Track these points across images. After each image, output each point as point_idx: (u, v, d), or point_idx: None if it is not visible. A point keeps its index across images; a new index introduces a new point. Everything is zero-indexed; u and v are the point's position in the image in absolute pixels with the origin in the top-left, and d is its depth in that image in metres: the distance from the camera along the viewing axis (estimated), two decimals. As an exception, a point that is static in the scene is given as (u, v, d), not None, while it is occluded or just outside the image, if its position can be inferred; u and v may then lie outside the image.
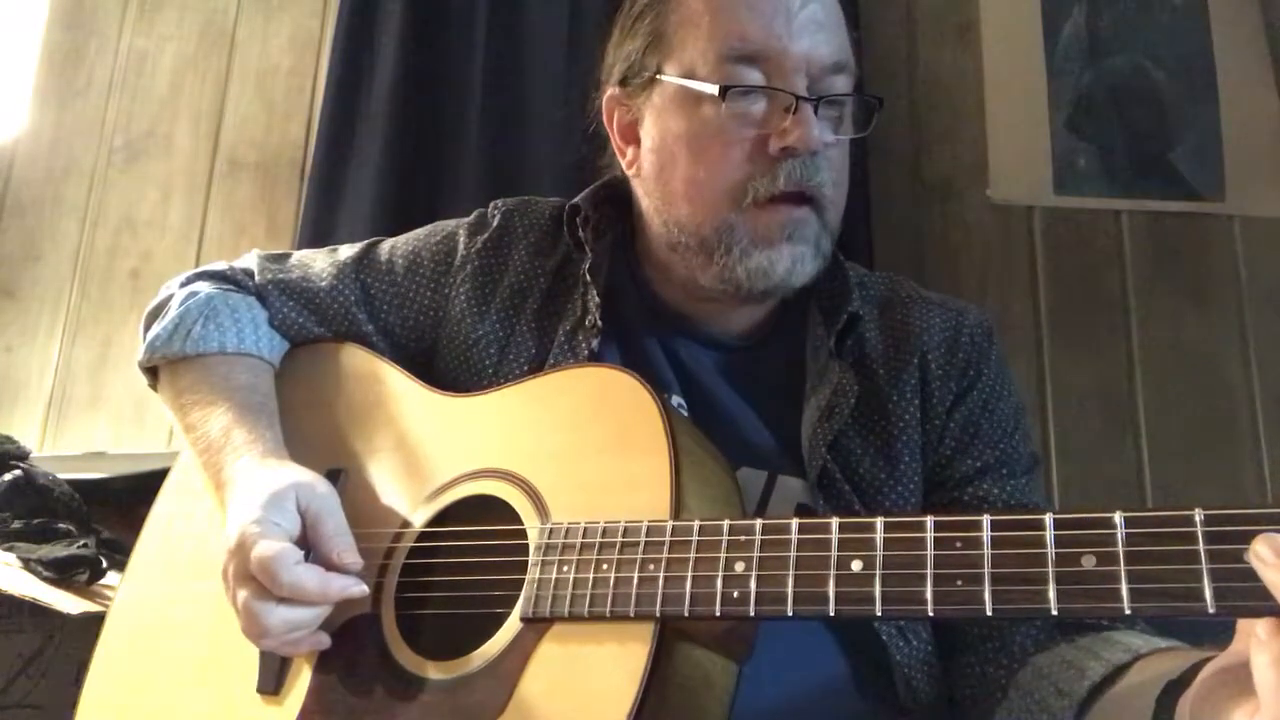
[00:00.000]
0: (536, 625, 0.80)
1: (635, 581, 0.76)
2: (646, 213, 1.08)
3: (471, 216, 1.19)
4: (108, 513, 1.56)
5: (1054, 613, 0.61)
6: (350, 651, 0.89)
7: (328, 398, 1.08)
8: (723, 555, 0.73)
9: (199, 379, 1.07)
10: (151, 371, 1.14)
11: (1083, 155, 2.10)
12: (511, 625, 0.81)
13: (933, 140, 2.13)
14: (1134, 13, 2.16)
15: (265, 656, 0.92)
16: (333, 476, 0.97)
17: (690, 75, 1.00)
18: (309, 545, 0.89)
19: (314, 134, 2.14)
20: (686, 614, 0.73)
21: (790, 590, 0.70)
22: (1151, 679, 0.73)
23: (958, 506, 1.00)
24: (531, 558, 0.82)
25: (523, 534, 0.85)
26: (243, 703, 0.92)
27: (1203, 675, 0.64)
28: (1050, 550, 0.63)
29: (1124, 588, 0.59)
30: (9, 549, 1.37)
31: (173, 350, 1.09)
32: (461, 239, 1.15)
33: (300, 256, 1.20)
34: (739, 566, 0.73)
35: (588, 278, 1.06)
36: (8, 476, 1.50)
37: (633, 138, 1.08)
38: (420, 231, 1.20)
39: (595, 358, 1.03)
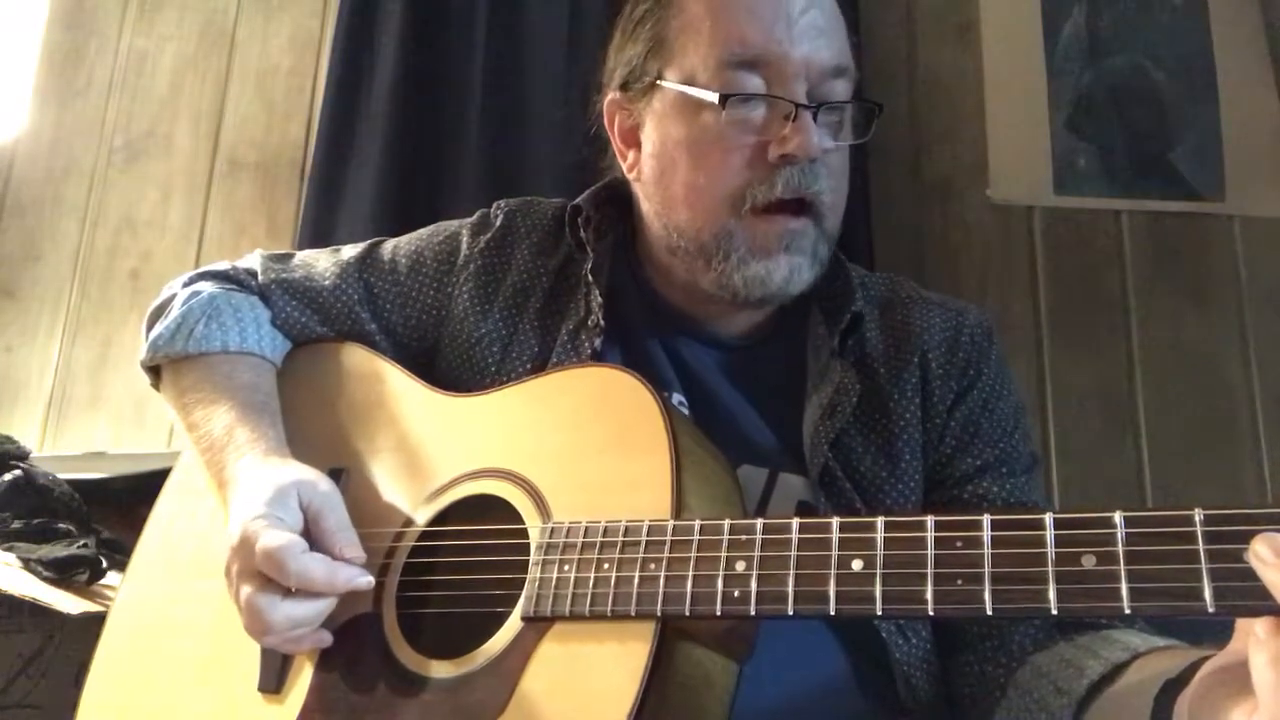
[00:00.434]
0: (538, 624, 0.80)
1: (636, 581, 0.76)
2: (647, 216, 1.08)
3: (474, 216, 1.19)
4: (108, 513, 1.56)
5: (1054, 612, 0.62)
6: (351, 650, 0.89)
7: (330, 397, 1.09)
8: (724, 555, 0.74)
9: (201, 378, 1.07)
10: (154, 371, 1.15)
11: (1083, 155, 2.10)
12: (512, 624, 0.81)
13: (933, 140, 2.13)
14: (1134, 13, 2.16)
15: (266, 655, 0.92)
16: (335, 475, 0.98)
17: (691, 81, 1.00)
18: (311, 541, 0.88)
19: (314, 134, 2.14)
20: (687, 613, 0.73)
21: (791, 589, 0.70)
22: (1150, 678, 0.73)
23: (958, 505, 1.00)
24: (533, 557, 0.82)
25: (524, 533, 0.85)
26: (244, 701, 0.92)
27: (1201, 674, 0.64)
28: (1050, 550, 0.63)
29: (1124, 587, 0.60)
30: (9, 549, 1.37)
31: (175, 349, 1.09)
32: (464, 239, 1.16)
33: (303, 256, 1.20)
34: (740, 566, 0.73)
35: (590, 278, 1.07)
36: (8, 476, 1.51)
37: (633, 142, 1.08)
38: (423, 231, 1.20)
39: (598, 357, 1.03)
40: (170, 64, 2.28)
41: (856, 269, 1.14)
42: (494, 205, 1.20)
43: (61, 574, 1.33)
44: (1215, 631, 0.63)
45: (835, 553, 0.70)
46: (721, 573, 0.73)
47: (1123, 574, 0.60)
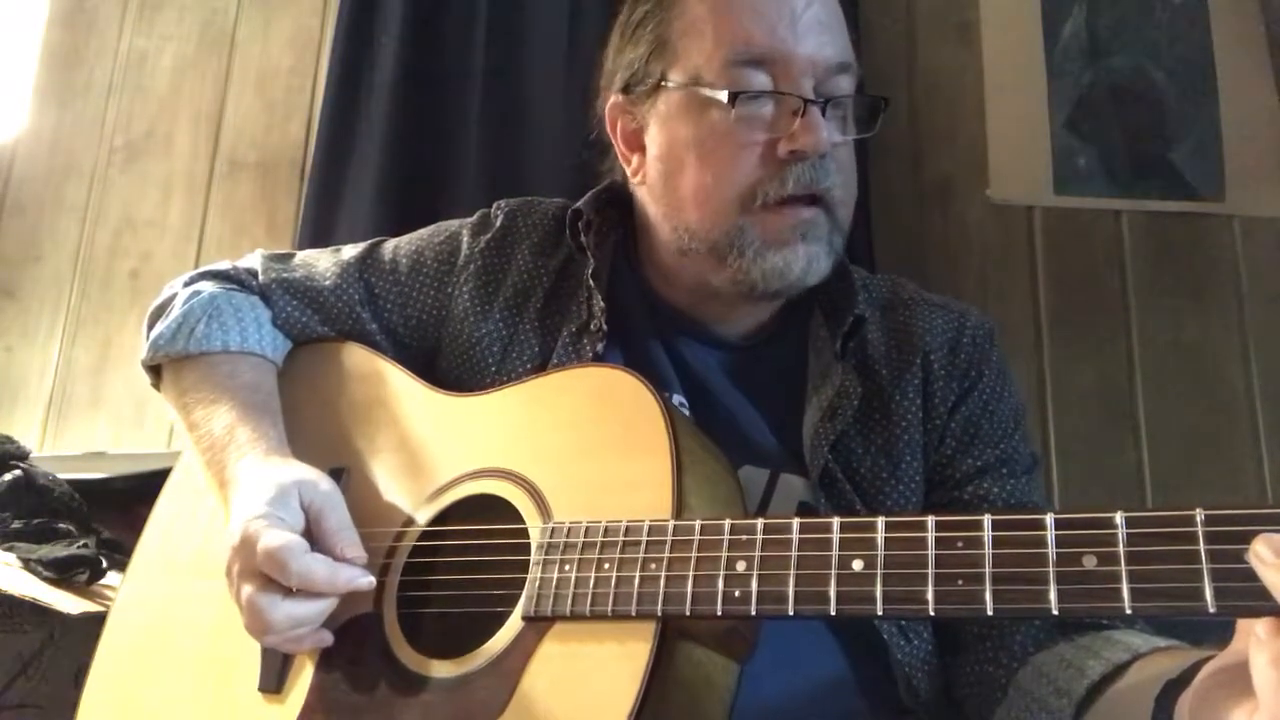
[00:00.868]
0: (538, 624, 0.80)
1: (637, 581, 0.76)
2: (654, 219, 1.07)
3: (475, 216, 1.19)
4: (108, 513, 1.56)
5: (1055, 612, 0.62)
6: (352, 650, 0.89)
7: (330, 397, 1.09)
8: (724, 555, 0.74)
9: (202, 378, 1.07)
10: (155, 370, 1.15)
11: (1083, 155, 2.10)
12: (513, 624, 0.81)
13: (933, 140, 2.13)
14: (1134, 13, 2.15)
15: (267, 655, 0.92)
16: (335, 475, 0.98)
17: (696, 81, 1.00)
18: (312, 541, 0.89)
19: (314, 134, 2.14)
20: (688, 613, 0.73)
21: (791, 590, 0.70)
22: (1151, 678, 0.73)
23: (958, 505, 1.01)
24: (533, 557, 0.82)
25: (525, 533, 0.85)
26: (244, 701, 0.92)
27: (1202, 674, 0.64)
28: (1051, 550, 0.63)
29: (1125, 587, 0.60)
30: (9, 549, 1.37)
31: (176, 349, 1.09)
32: (465, 239, 1.16)
33: (304, 256, 1.21)
34: (740, 566, 0.73)
35: (591, 283, 1.06)
36: (8, 476, 1.50)
37: (637, 145, 1.08)
38: (424, 231, 1.20)
39: (599, 360, 1.03)
40: (170, 64, 2.28)
41: (859, 271, 1.14)
42: (494, 205, 1.20)
43: (61, 574, 1.32)
44: (1216, 632, 0.63)
45: (836, 553, 0.70)
46: (722, 573, 0.73)
47: (1124, 574, 0.60)
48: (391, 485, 0.98)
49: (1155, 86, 2.12)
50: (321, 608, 0.87)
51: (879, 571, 0.68)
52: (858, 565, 0.69)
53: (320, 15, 2.28)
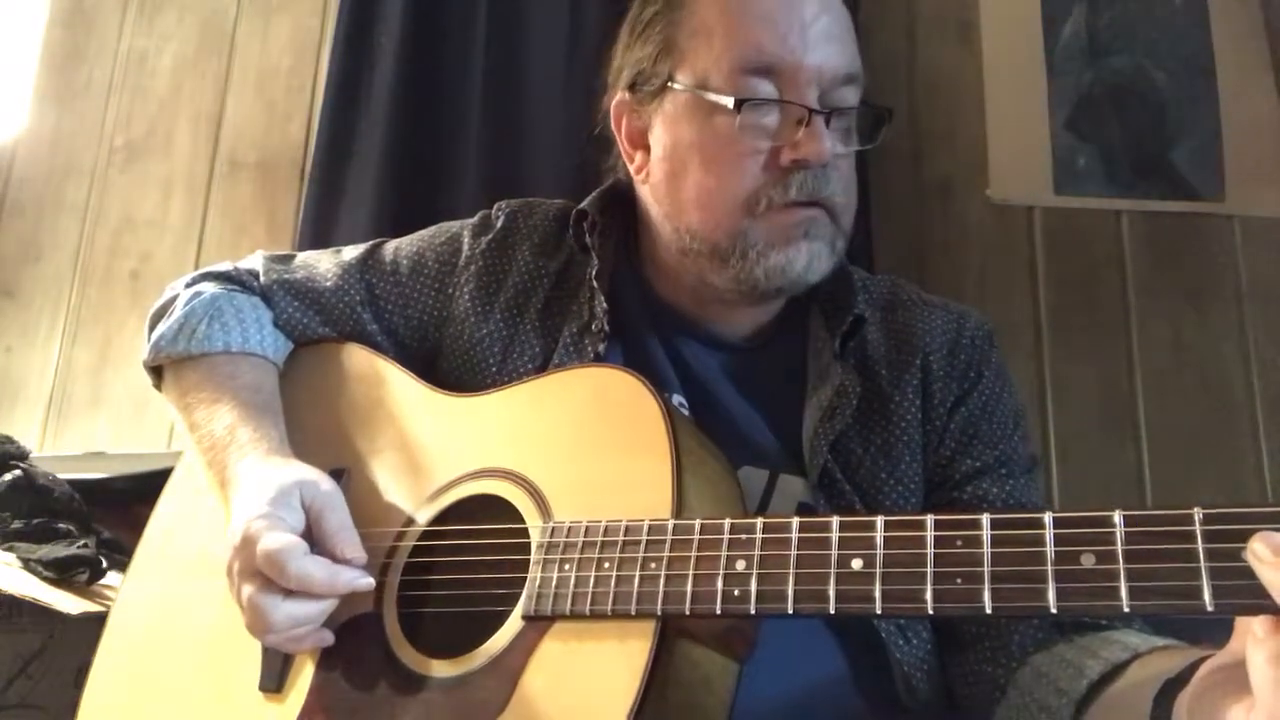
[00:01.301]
0: (538, 624, 0.80)
1: (637, 580, 0.76)
2: (655, 218, 1.08)
3: (475, 217, 1.19)
4: (108, 513, 1.56)
5: (1053, 611, 0.62)
6: (353, 649, 0.89)
7: (331, 397, 1.09)
8: (724, 554, 0.74)
9: (204, 378, 1.07)
10: (156, 371, 1.15)
11: (1083, 155, 2.10)
12: (513, 624, 0.81)
13: (933, 140, 2.12)
14: (1134, 13, 2.15)
15: (268, 654, 0.92)
16: (336, 475, 0.98)
17: (703, 85, 1.00)
18: (313, 541, 0.89)
19: (314, 134, 2.13)
20: (688, 612, 0.73)
21: (791, 589, 0.70)
22: (1149, 677, 0.73)
23: (957, 506, 1.01)
24: (533, 556, 0.82)
25: (525, 533, 0.85)
26: (245, 701, 0.92)
27: (1200, 673, 0.64)
28: (1050, 549, 0.63)
29: (1123, 586, 0.60)
30: (9, 549, 1.37)
31: (178, 349, 1.09)
32: (466, 239, 1.16)
33: (305, 257, 1.21)
34: (740, 565, 0.73)
35: (594, 283, 1.06)
36: (8, 476, 1.50)
37: (641, 144, 1.08)
38: (425, 232, 1.20)
39: (600, 360, 1.03)
40: (170, 64, 2.28)
41: (858, 271, 1.14)
42: (495, 206, 1.20)
43: (61, 574, 1.33)
44: (1215, 631, 0.63)
45: (835, 552, 0.70)
46: (722, 572, 0.73)
47: (1122, 573, 0.60)
48: (392, 485, 0.98)
49: (1155, 86, 2.12)
50: (322, 608, 0.87)
51: (878, 570, 0.68)
52: (857, 564, 0.69)
53: (320, 15, 2.28)
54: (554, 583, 0.80)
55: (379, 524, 0.94)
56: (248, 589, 0.86)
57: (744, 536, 0.74)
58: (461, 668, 0.83)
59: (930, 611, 0.65)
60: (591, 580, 0.78)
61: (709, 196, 1.00)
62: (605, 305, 1.05)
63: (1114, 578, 0.60)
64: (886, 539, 0.69)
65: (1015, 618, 0.93)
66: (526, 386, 0.98)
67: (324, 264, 1.18)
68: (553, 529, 0.83)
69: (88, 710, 1.01)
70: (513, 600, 0.82)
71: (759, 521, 0.74)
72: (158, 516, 1.10)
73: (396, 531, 0.94)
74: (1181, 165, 2.09)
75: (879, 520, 0.70)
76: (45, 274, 2.17)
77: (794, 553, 0.71)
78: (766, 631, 0.80)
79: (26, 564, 1.33)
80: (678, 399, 1.03)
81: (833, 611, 0.69)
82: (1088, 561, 0.61)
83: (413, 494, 0.96)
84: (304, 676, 0.91)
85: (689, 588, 0.74)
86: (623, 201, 1.15)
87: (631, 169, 1.10)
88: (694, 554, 0.75)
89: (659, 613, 0.74)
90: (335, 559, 0.88)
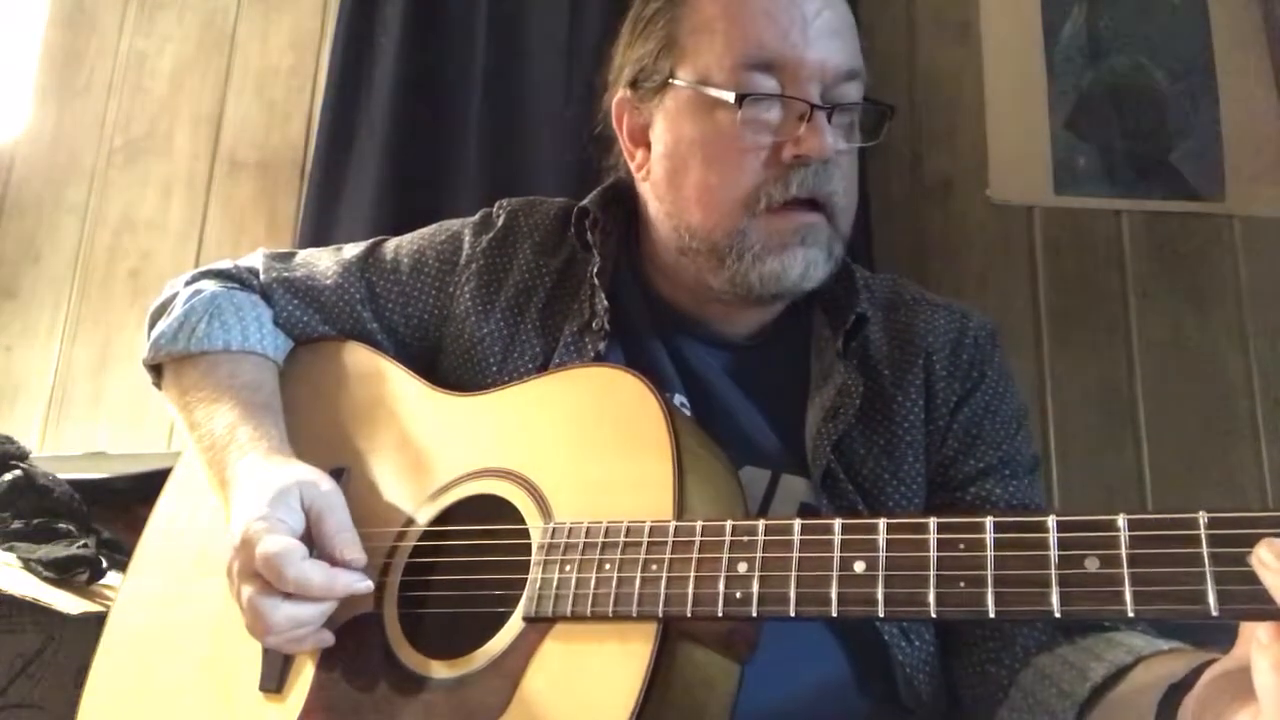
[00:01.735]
0: (539, 625, 0.80)
1: (638, 582, 0.76)
2: (655, 216, 1.08)
3: (476, 216, 1.19)
4: (108, 513, 1.56)
5: (1057, 615, 0.61)
6: (353, 650, 0.89)
7: (332, 396, 1.09)
8: (725, 556, 0.74)
9: (203, 377, 1.07)
10: (156, 370, 1.15)
11: (1083, 155, 2.10)
12: (514, 624, 0.81)
13: (933, 140, 2.13)
14: (1134, 13, 2.15)
15: (268, 654, 0.92)
16: (336, 475, 0.98)
17: (705, 81, 1.00)
18: (313, 542, 0.89)
19: (314, 134, 2.14)
20: (689, 614, 0.73)
21: (793, 591, 0.70)
22: (1154, 681, 0.73)
23: (960, 507, 1.00)
24: (534, 557, 0.82)
25: (525, 533, 0.85)
26: (245, 701, 0.92)
27: (1205, 678, 0.64)
28: (1053, 552, 0.63)
29: (1127, 590, 0.60)
30: (9, 549, 1.37)
31: (177, 348, 1.09)
32: (467, 238, 1.16)
33: (305, 255, 1.21)
34: (742, 567, 0.73)
35: (595, 281, 1.06)
36: (8, 476, 1.50)
37: (642, 141, 1.08)
38: (425, 230, 1.20)
39: (600, 359, 1.03)
40: (170, 64, 2.27)
41: (860, 270, 1.14)
42: (496, 205, 1.20)
43: (61, 574, 1.32)
44: (1219, 635, 0.63)
45: (837, 554, 0.70)
46: (723, 574, 0.73)
47: (1126, 577, 0.60)
48: (392, 485, 0.98)
49: (1155, 86, 2.12)
50: (322, 609, 0.87)
51: (880, 573, 0.68)
52: (859, 567, 0.69)
53: (320, 15, 2.27)
54: (555, 584, 0.80)
55: (379, 524, 0.94)
56: (247, 590, 0.86)
57: (746, 538, 0.74)
58: (462, 669, 0.82)
59: (933, 615, 0.65)
60: (592, 581, 0.78)
61: (709, 193, 1.00)
62: (606, 303, 1.05)
63: (1118, 582, 0.60)
64: (889, 542, 0.69)
65: (1019, 621, 0.93)
66: (527, 386, 0.97)
67: (324, 262, 1.18)
68: (554, 529, 0.83)
69: (88, 710, 1.01)
70: (513, 601, 0.82)
71: (761, 523, 0.74)
72: (157, 516, 1.10)
73: (397, 531, 0.94)
74: (1181, 165, 2.09)
75: (881, 523, 0.69)
76: (45, 274, 2.17)
77: (796, 555, 0.71)
78: (768, 633, 0.80)
79: (26, 564, 1.33)
80: (679, 399, 1.03)
81: (835, 614, 0.69)
82: (1091, 565, 0.61)
83: (413, 494, 0.96)
84: (304, 677, 0.91)
85: (690, 589, 0.74)
86: (624, 200, 1.15)
87: (632, 167, 1.10)
88: (695, 556, 0.75)
89: (660, 614, 0.74)
90: (335, 560, 0.87)
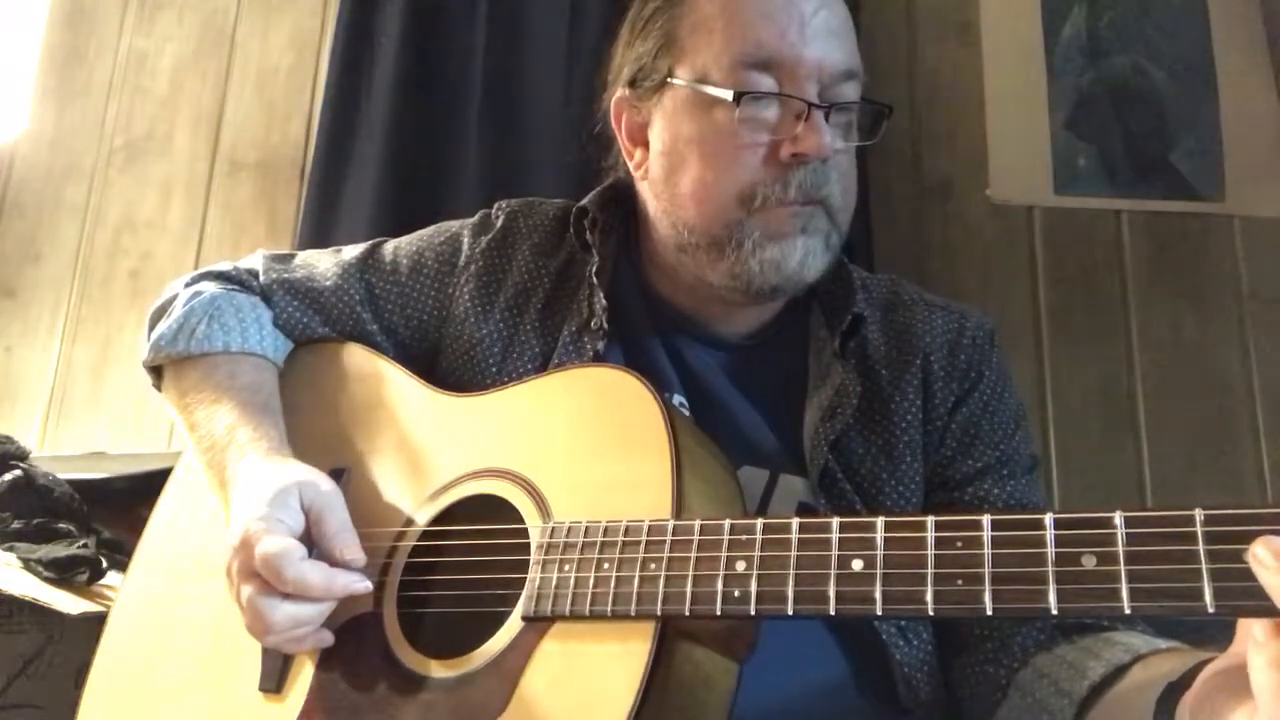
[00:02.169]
0: (538, 624, 0.80)
1: (636, 581, 0.76)
2: (654, 215, 1.08)
3: (475, 217, 1.19)
4: (108, 513, 1.56)
5: (1054, 613, 0.61)
6: (352, 650, 0.89)
7: (331, 397, 1.09)
8: (724, 554, 0.74)
9: (203, 378, 1.07)
10: (156, 371, 1.15)
11: (1083, 155, 2.10)
12: (513, 624, 0.81)
13: (933, 140, 2.13)
14: (1134, 13, 2.15)
15: (267, 654, 0.92)
16: (336, 475, 0.98)
17: (703, 79, 1.00)
18: (312, 542, 0.89)
19: (314, 134, 2.14)
20: (687, 613, 0.73)
21: (791, 590, 0.70)
22: (1152, 680, 0.73)
23: (958, 506, 1.01)
24: (533, 557, 0.82)
25: (524, 533, 0.85)
26: (244, 701, 0.92)
27: (1203, 676, 0.64)
28: (1050, 550, 0.63)
29: (1124, 587, 0.60)
30: (9, 549, 1.37)
31: (177, 349, 1.09)
32: (466, 239, 1.16)
33: (305, 257, 1.21)
34: (740, 566, 0.73)
35: (594, 280, 1.06)
36: (8, 476, 1.50)
37: (641, 140, 1.08)
38: (424, 232, 1.20)
39: (599, 359, 1.03)
40: (170, 64, 2.28)
41: (858, 270, 1.14)
42: (495, 206, 1.20)
43: (61, 574, 1.33)
44: (1217, 633, 0.63)
45: (835, 553, 0.70)
46: (722, 573, 0.73)
47: (1123, 574, 0.60)
48: (392, 485, 0.98)
49: (1155, 86, 2.12)
50: (322, 609, 0.87)
51: (878, 571, 0.68)
52: (857, 565, 0.69)
53: (320, 15, 2.28)
54: (554, 583, 0.80)
55: (379, 524, 0.94)
56: (247, 590, 0.86)
57: (744, 537, 0.74)
58: (461, 668, 0.82)
59: (931, 613, 0.65)
60: (591, 581, 0.78)
61: (706, 190, 1.00)
62: (604, 303, 1.05)
63: (1115, 579, 0.60)
64: (887, 540, 0.69)
65: (1016, 619, 0.93)
66: (526, 386, 0.98)
67: (324, 263, 1.18)
68: (552, 529, 0.83)
69: (88, 710, 1.01)
70: (512, 601, 0.82)
71: (759, 522, 0.74)
72: (157, 517, 1.10)
73: (396, 531, 0.94)
74: (1181, 165, 2.09)
75: (879, 521, 0.70)
76: (45, 274, 2.17)
77: (794, 554, 0.71)
78: (766, 632, 0.80)
79: (26, 564, 1.33)
80: (678, 399, 1.03)
81: (833, 613, 0.69)
82: (1089, 563, 0.61)
83: (412, 494, 0.96)
84: (304, 677, 0.91)
85: (689, 588, 0.74)
86: (624, 200, 1.15)
87: (631, 165, 1.10)
88: (694, 555, 0.75)
89: (659, 613, 0.74)
90: (334, 561, 0.88)
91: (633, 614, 0.75)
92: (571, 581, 0.79)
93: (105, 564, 1.37)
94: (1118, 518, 0.61)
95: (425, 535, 0.93)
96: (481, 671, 0.81)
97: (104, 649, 1.04)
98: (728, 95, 0.98)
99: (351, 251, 1.19)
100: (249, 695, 0.92)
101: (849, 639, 0.95)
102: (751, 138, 0.98)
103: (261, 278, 1.17)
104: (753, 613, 0.72)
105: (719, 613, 0.72)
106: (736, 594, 0.72)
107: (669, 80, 1.04)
